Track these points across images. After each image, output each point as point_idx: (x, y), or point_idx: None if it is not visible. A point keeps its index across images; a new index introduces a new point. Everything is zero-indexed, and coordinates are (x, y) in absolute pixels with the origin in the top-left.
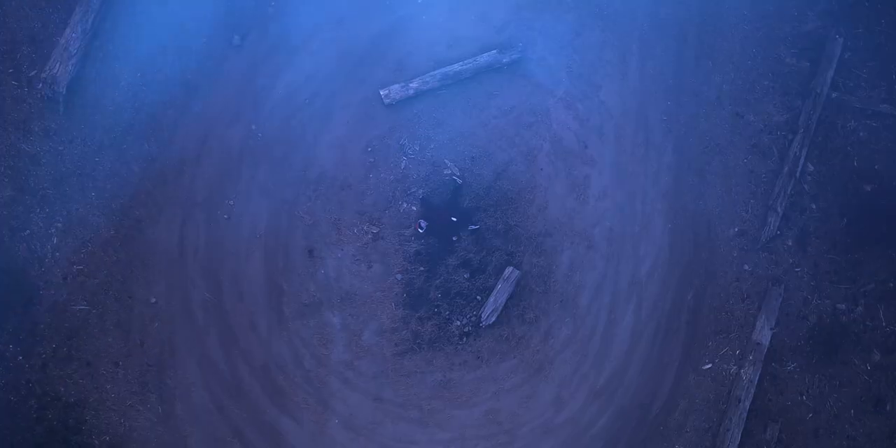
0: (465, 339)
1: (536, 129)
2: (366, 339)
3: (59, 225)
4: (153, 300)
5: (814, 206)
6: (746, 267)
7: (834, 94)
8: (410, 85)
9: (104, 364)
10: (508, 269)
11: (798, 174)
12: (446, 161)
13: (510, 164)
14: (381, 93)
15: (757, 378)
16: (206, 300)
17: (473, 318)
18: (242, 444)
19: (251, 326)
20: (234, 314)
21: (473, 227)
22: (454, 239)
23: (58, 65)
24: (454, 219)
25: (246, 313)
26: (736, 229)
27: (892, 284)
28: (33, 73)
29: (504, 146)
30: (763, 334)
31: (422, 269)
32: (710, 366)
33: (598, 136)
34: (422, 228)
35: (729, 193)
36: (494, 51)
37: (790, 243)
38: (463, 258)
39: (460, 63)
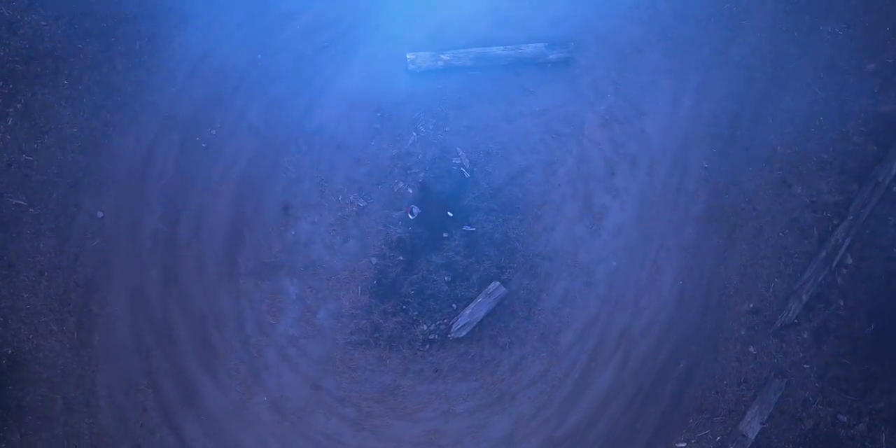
0: (427, 346)
1: (565, 140)
2: (320, 318)
3: (20, 106)
4: (100, 214)
5: (842, 303)
6: (752, 349)
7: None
8: (442, 56)
9: (27, 270)
10: (494, 284)
11: (834, 264)
12: (458, 149)
13: (527, 170)
14: (408, 56)
15: None
16: (157, 230)
17: (443, 327)
18: (155, 396)
19: (199, 271)
20: (184, 253)
21: (469, 228)
22: (445, 235)
23: None
24: (450, 214)
25: (197, 255)
26: (751, 305)
27: None
28: None
29: (525, 150)
30: (751, 426)
31: (401, 258)
32: (684, 445)
33: (630, 166)
34: (413, 215)
35: (753, 265)
36: (542, 44)
37: (805, 336)
38: (449, 259)
39: (502, 47)
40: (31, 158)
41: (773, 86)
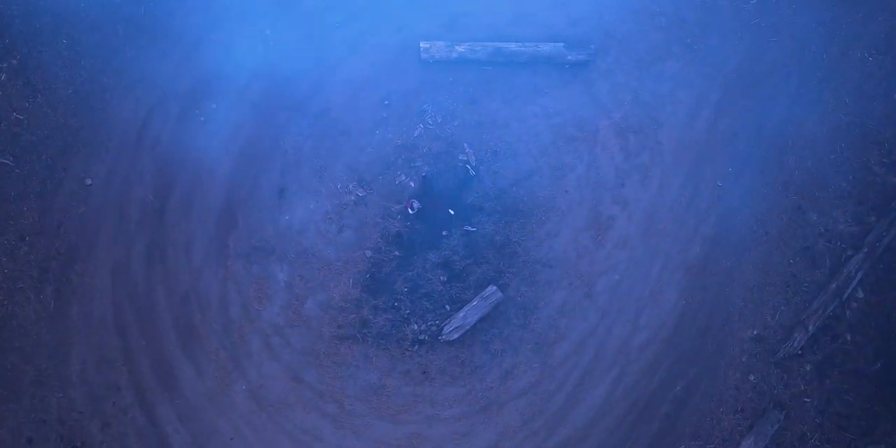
0: (416, 346)
1: (577, 145)
2: (308, 308)
3: (15, 62)
4: (88, 182)
5: (849, 337)
6: (752, 377)
7: None
8: (457, 48)
9: (8, 233)
10: (491, 288)
11: (845, 297)
12: (465, 145)
13: (534, 173)
14: (422, 45)
15: None
16: (147, 202)
17: (434, 328)
18: (130, 375)
19: (186, 249)
20: (173, 229)
21: (470, 228)
22: (444, 233)
23: None
24: (451, 212)
25: (185, 232)
26: (754, 332)
27: None
28: None
29: (534, 152)
30: None
31: (397, 253)
32: None
33: (641, 178)
34: (413, 209)
35: (760, 291)
36: (561, 44)
37: (808, 368)
38: (446, 258)
39: (519, 44)
40: (21, 117)
41: (795, 108)
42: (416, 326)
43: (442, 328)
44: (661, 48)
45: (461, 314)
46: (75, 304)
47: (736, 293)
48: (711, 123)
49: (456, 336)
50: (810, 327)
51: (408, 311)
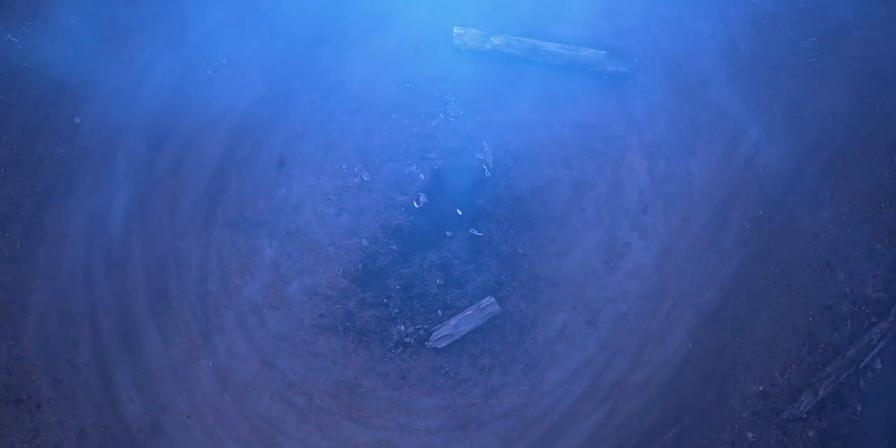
0: (400, 349)
1: (602, 162)
2: (291, 290)
3: None
4: (77, 120)
5: (859, 408)
6: (750, 435)
7: None
8: (492, 39)
9: None
10: (489, 299)
11: (861, 365)
12: (485, 144)
13: (553, 185)
14: (456, 30)
15: None
16: (136, 152)
17: (422, 332)
18: (91, 333)
19: (171, 208)
20: (160, 184)
21: (476, 232)
22: (448, 234)
23: None
24: (459, 212)
25: (173, 190)
26: (760, 388)
27: None
28: None
29: (557, 162)
30: None
31: (394, 248)
32: None
33: (665, 207)
34: (418, 203)
35: (773, 345)
36: (604, 52)
37: (811, 435)
38: (446, 260)
39: (559, 45)
40: (16, 40)
41: (839, 157)
42: (402, 327)
43: (430, 333)
44: (708, 73)
45: (453, 322)
46: (44, 248)
47: (747, 343)
48: (747, 160)
49: (444, 344)
50: (820, 392)
51: (396, 310)
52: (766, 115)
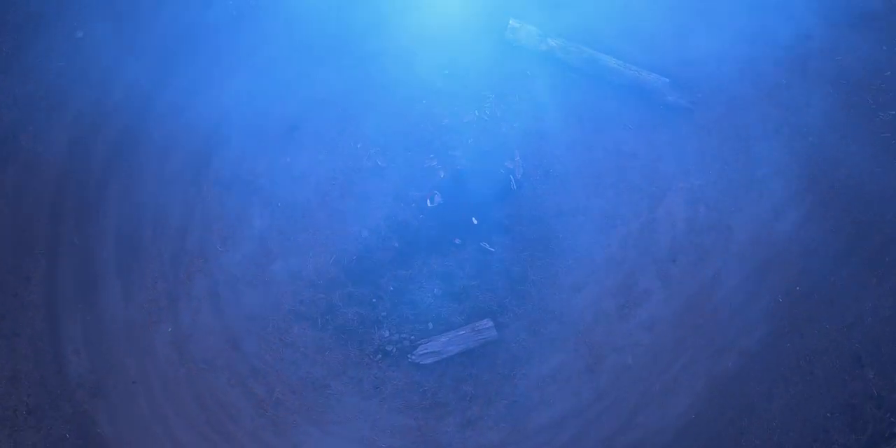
0: (379, 356)
1: (639, 198)
2: (274, 269)
3: None
4: (79, 34)
5: None
6: None
7: None
8: (549, 40)
9: None
10: (487, 322)
11: None
12: (517, 153)
13: (582, 212)
14: (511, 23)
15: None
16: (136, 82)
17: (406, 342)
18: (47, 270)
19: (163, 152)
20: (156, 123)
21: (488, 247)
22: (457, 242)
23: None
24: (475, 221)
25: (169, 131)
26: None
27: None
28: None
29: (590, 188)
30: None
31: (396, 245)
32: None
33: (696, 260)
34: (432, 202)
35: (782, 434)
36: (667, 80)
37: None
38: (449, 270)
39: (619, 62)
40: None
41: (893, 246)
42: (387, 333)
43: (416, 346)
44: (772, 126)
45: (443, 339)
46: (14, 168)
47: (754, 427)
48: (796, 228)
49: (428, 361)
50: None
51: (384, 313)
52: (825, 184)
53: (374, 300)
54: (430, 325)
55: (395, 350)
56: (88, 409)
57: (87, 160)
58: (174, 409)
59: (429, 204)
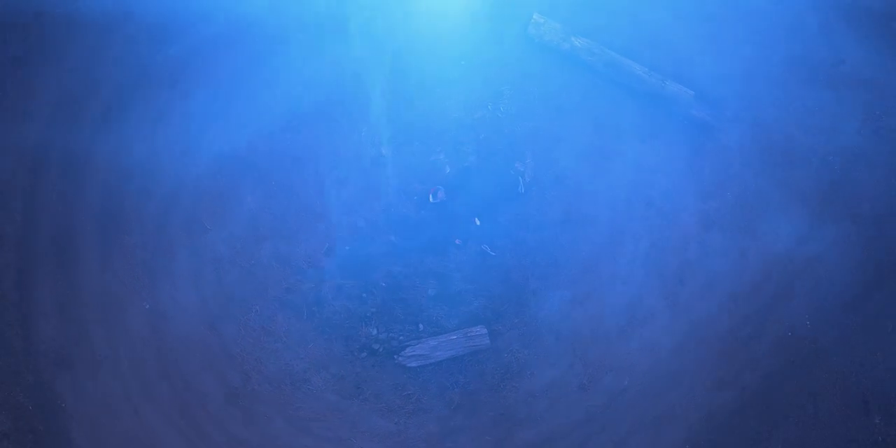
0: (364, 354)
1: (652, 214)
2: (262, 253)
3: None
4: None
5: None
6: None
7: None
8: (573, 40)
9: None
10: (480, 329)
11: None
12: (528, 155)
13: (591, 223)
14: (535, 18)
15: None
16: (146, 28)
17: (394, 343)
18: (23, 228)
19: (159, 113)
20: (158, 78)
21: (489, 251)
22: (457, 242)
23: None
24: (478, 222)
25: (168, 93)
26: None
27: None
28: None
29: (602, 200)
30: None
31: (392, 239)
32: None
33: (706, 284)
34: (435, 198)
35: None
36: (692, 93)
37: None
38: (446, 271)
39: (645, 69)
40: None
41: None
42: (374, 331)
43: (403, 348)
44: (797, 151)
45: (432, 343)
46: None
47: None
48: (812, 262)
49: (414, 364)
50: None
51: (374, 310)
52: (848, 219)
53: (364, 295)
54: (421, 327)
55: (381, 349)
56: (52, 381)
57: (78, 115)
58: (141, 388)
59: (431, 199)
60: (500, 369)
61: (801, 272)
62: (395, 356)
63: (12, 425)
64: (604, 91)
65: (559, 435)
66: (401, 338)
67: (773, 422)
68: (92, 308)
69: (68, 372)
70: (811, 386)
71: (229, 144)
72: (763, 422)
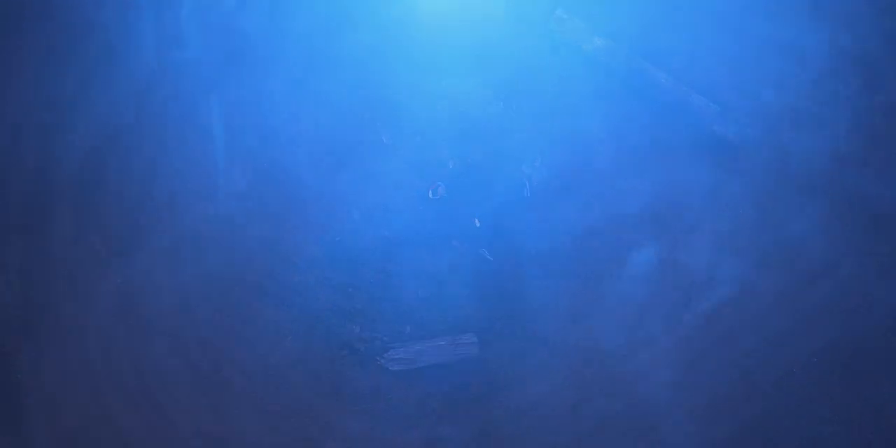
0: (345, 352)
1: (662, 232)
2: (246, 234)
3: None
4: None
5: None
6: None
7: None
8: (596, 39)
9: None
10: (470, 337)
11: None
12: (538, 159)
13: (597, 234)
14: (557, 13)
15: None
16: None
17: (378, 343)
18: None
19: (149, 82)
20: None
21: (487, 255)
22: (453, 243)
23: None
24: (477, 223)
25: (159, 64)
26: None
27: None
28: None
29: (610, 211)
30: None
31: (386, 234)
32: None
33: (711, 313)
34: (434, 194)
35: None
36: (717, 107)
37: None
38: (438, 273)
39: (669, 79)
40: None
41: None
42: (358, 329)
43: (387, 349)
44: (822, 183)
45: (418, 347)
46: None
47: None
48: (827, 301)
49: (397, 368)
50: None
51: (359, 306)
52: (867, 253)
53: (350, 290)
54: (408, 329)
55: (363, 348)
56: (10, 351)
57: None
58: (104, 366)
59: (430, 195)
60: (487, 381)
61: (817, 310)
62: (378, 357)
63: None
64: (622, 96)
65: None
66: (385, 338)
67: None
68: (60, 277)
69: (30, 343)
70: (814, 426)
71: (223, 117)
72: None
